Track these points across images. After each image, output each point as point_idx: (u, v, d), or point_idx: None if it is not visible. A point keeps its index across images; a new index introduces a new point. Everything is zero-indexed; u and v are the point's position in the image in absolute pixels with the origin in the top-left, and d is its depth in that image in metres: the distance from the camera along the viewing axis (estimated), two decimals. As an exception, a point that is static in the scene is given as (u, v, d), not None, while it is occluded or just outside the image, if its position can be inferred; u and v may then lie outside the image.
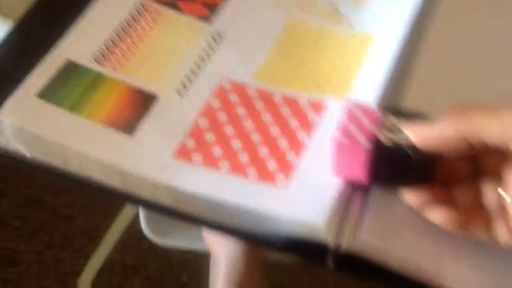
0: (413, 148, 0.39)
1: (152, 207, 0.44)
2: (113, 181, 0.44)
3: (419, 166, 0.40)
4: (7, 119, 0.46)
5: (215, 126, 0.48)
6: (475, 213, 0.40)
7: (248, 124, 0.48)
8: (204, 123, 0.48)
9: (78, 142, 0.46)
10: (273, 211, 0.43)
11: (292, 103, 0.49)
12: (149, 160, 0.46)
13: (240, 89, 0.50)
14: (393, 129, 0.41)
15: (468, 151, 0.38)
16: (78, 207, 1.34)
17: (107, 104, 0.48)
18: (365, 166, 0.42)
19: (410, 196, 0.41)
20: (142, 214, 0.87)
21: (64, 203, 1.34)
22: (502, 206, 0.40)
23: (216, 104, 0.49)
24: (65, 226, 1.32)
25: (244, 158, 0.46)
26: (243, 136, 0.47)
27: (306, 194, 0.44)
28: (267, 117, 0.48)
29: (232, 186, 0.45)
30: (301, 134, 0.47)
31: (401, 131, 0.40)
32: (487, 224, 0.40)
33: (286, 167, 0.45)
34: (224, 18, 0.55)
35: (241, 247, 0.73)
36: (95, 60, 0.50)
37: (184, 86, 0.50)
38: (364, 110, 0.43)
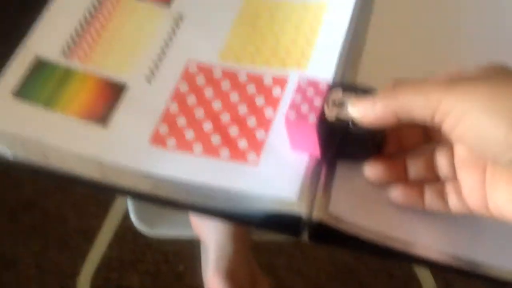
0: (355, 122, 0.40)
1: (134, 195, 0.45)
2: (92, 173, 0.45)
3: (364, 139, 0.41)
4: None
5: (186, 110, 0.48)
6: (429, 183, 0.41)
7: (217, 105, 0.49)
8: (174, 107, 0.49)
9: (55, 137, 0.46)
10: (247, 189, 0.44)
11: (257, 80, 0.50)
12: (125, 149, 0.46)
13: (206, 71, 0.51)
14: (338, 104, 0.41)
15: (404, 124, 0.39)
16: (70, 208, 1.35)
17: (79, 97, 0.49)
18: (315, 141, 0.43)
19: (368, 171, 0.42)
20: (131, 206, 0.87)
21: (55, 204, 1.35)
22: (452, 173, 0.41)
23: (185, 87, 0.50)
24: (59, 227, 1.33)
25: (216, 139, 0.47)
26: (213, 117, 0.48)
27: (277, 170, 0.45)
28: (234, 97, 0.49)
29: (206, 168, 0.45)
30: (268, 111, 0.48)
31: (346, 106, 0.41)
32: (440, 193, 0.41)
33: (256, 145, 0.46)
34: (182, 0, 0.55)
35: (228, 230, 0.74)
36: (63, 54, 0.51)
37: (152, 72, 0.51)
38: (313, 85, 0.43)
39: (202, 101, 0.49)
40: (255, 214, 0.43)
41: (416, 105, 0.36)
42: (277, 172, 0.44)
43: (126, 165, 0.45)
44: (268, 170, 0.45)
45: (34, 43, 0.51)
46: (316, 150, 0.44)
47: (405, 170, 0.42)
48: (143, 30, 0.53)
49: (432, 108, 0.35)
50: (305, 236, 0.43)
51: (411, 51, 0.52)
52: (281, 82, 0.49)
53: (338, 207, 0.42)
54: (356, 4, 0.52)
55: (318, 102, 0.43)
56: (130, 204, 0.89)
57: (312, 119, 0.42)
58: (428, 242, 0.42)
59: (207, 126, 0.47)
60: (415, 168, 0.42)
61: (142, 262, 1.31)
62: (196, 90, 0.49)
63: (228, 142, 0.46)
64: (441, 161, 0.41)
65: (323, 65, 0.49)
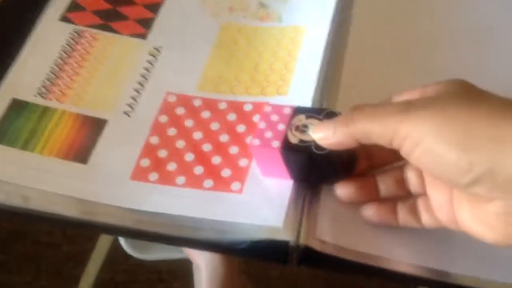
0: (317, 145, 0.41)
1: (117, 232, 0.45)
2: (74, 212, 0.45)
3: (332, 161, 0.41)
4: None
5: (167, 142, 0.49)
6: (401, 199, 0.42)
7: (198, 135, 0.49)
8: (155, 140, 0.49)
9: (34, 179, 0.46)
10: (232, 218, 0.44)
11: (237, 108, 0.50)
12: (107, 185, 0.46)
13: (186, 101, 0.51)
14: (302, 128, 0.42)
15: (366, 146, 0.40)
16: (60, 234, 1.34)
17: (57, 136, 0.49)
18: (282, 166, 0.43)
19: (339, 191, 0.43)
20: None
21: (45, 231, 1.34)
22: (422, 189, 0.41)
23: (164, 119, 0.50)
24: (51, 254, 1.32)
25: (199, 170, 0.47)
26: (195, 148, 0.48)
27: (261, 198, 0.45)
28: (215, 126, 0.49)
29: (190, 200, 0.45)
30: (249, 138, 0.48)
31: (309, 130, 0.42)
32: (412, 209, 0.42)
33: (240, 173, 0.46)
34: (158, 32, 0.56)
35: (218, 250, 0.74)
36: (40, 94, 0.51)
37: (131, 107, 0.51)
38: (277, 111, 0.44)
39: (183, 132, 0.49)
40: (242, 243, 0.43)
41: (374, 131, 0.37)
42: (262, 200, 0.45)
43: (108, 202, 0.45)
44: (253, 198, 0.45)
45: (10, 86, 0.51)
46: (286, 175, 0.44)
47: (376, 188, 0.43)
48: (120, 65, 0.53)
49: (390, 134, 0.36)
50: (293, 263, 0.44)
51: (390, 70, 0.52)
52: (261, 108, 0.49)
53: (324, 231, 0.43)
54: (332, 26, 0.53)
55: (281, 127, 0.43)
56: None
57: (276, 144, 0.43)
58: (404, 257, 0.43)
59: (189, 157, 0.48)
60: (385, 185, 0.43)
61: (135, 283, 1.31)
62: (176, 121, 0.50)
63: (211, 172, 0.47)
64: (411, 177, 0.42)
65: (303, 89, 0.49)
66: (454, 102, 0.35)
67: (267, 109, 0.45)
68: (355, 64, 0.52)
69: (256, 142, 0.44)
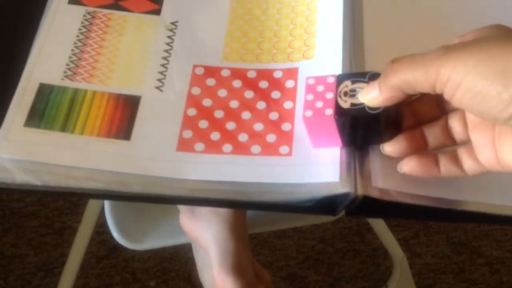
0: (369, 106, 0.42)
1: (175, 201, 0.45)
2: (132, 187, 0.45)
3: (381, 120, 0.43)
4: (5, 155, 0.45)
5: (205, 113, 0.49)
6: (442, 151, 0.44)
7: (234, 104, 0.49)
8: (192, 112, 0.49)
9: (80, 159, 0.46)
10: (286, 180, 0.45)
11: (267, 76, 0.51)
12: (155, 158, 0.46)
13: (214, 72, 0.51)
14: (350, 93, 0.43)
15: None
16: (25, 244, 1.30)
17: (95, 116, 0.48)
18: (335, 132, 0.44)
19: (386, 148, 0.44)
20: (113, 227, 0.86)
21: (10, 242, 1.29)
22: (466, 136, 0.43)
23: (197, 91, 0.50)
24: (18, 266, 1.28)
25: (243, 137, 0.47)
26: (235, 116, 0.49)
27: (312, 157, 0.46)
28: (249, 94, 0.50)
29: (241, 166, 0.46)
30: (287, 104, 0.49)
31: (358, 93, 0.43)
32: (454, 158, 0.43)
33: (285, 137, 0.47)
34: (170, 7, 0.56)
35: (226, 225, 0.73)
36: (66, 77, 0.50)
37: (161, 82, 0.51)
38: (321, 81, 0.46)
39: (219, 102, 0.49)
40: (308, 201, 0.44)
41: (417, 79, 0.38)
42: (313, 160, 0.46)
43: (159, 175, 0.45)
44: (303, 159, 0.46)
45: (35, 72, 0.50)
46: (338, 141, 0.45)
47: (424, 140, 0.44)
48: (140, 41, 0.53)
49: (432, 80, 0.37)
50: (341, 213, 0.46)
51: (410, 22, 0.54)
52: (292, 74, 0.51)
53: (379, 180, 0.44)
54: None
55: (330, 95, 0.44)
56: (109, 221, 0.87)
57: (329, 112, 0.44)
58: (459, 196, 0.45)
59: (231, 125, 0.48)
60: (433, 136, 0.44)
61: (111, 286, 1.28)
62: (210, 92, 0.50)
63: (257, 138, 0.47)
64: (454, 125, 0.44)
65: (329, 52, 0.51)
66: (491, 41, 0.36)
67: (311, 81, 0.46)
68: (375, 20, 0.54)
69: (309, 113, 0.44)
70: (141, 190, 0.45)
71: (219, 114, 0.49)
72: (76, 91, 0.49)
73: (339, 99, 0.44)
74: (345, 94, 0.44)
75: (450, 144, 0.44)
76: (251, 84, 0.50)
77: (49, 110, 0.48)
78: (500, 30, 0.39)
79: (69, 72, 0.50)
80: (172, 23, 0.54)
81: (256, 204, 0.45)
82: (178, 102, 0.50)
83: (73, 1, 0.55)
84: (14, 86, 0.49)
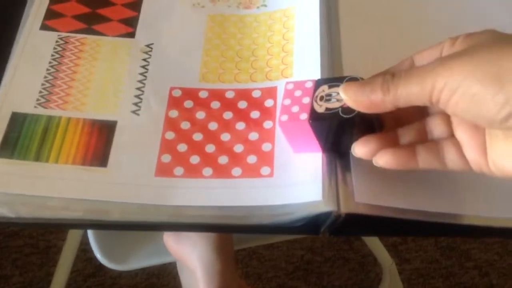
0: (346, 109, 0.42)
1: (156, 228, 0.44)
2: (110, 216, 0.44)
3: (356, 124, 0.42)
4: (-23, 187, 0.44)
5: (183, 136, 0.48)
6: (422, 148, 0.43)
7: (213, 126, 0.49)
8: (171, 135, 0.48)
9: (55, 188, 0.45)
10: (270, 202, 0.44)
11: (246, 96, 0.50)
12: (133, 185, 0.45)
13: (192, 94, 0.50)
14: (326, 98, 0.43)
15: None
16: (10, 264, 1.28)
17: (69, 144, 0.47)
18: (313, 137, 0.44)
19: (356, 149, 0.43)
20: (96, 248, 0.84)
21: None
22: (448, 133, 0.43)
23: (175, 114, 0.49)
24: (3, 287, 1.26)
25: (223, 160, 0.47)
26: (214, 138, 0.48)
27: (294, 177, 0.45)
28: (228, 115, 0.49)
29: (221, 189, 0.45)
30: (267, 123, 0.48)
31: (334, 98, 0.42)
32: (434, 151, 0.42)
33: (266, 158, 0.46)
34: (145, 29, 0.55)
35: (212, 245, 0.73)
36: (40, 104, 0.49)
37: (137, 105, 0.50)
38: (300, 86, 0.45)
39: (197, 125, 0.49)
40: (283, 222, 0.44)
41: (413, 93, 0.38)
42: (295, 178, 0.45)
43: (136, 201, 0.45)
44: (285, 179, 0.45)
45: (7, 100, 0.49)
46: (316, 147, 0.45)
47: (397, 141, 0.43)
48: (115, 65, 0.52)
49: (428, 91, 0.38)
50: (325, 232, 0.45)
51: (386, 30, 0.54)
52: (271, 93, 0.50)
53: (363, 196, 0.44)
54: (321, 3, 0.53)
55: (307, 100, 0.44)
56: (93, 242, 0.86)
57: (304, 116, 0.43)
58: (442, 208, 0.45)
59: (210, 148, 0.47)
60: (406, 137, 0.43)
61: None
62: (187, 115, 0.49)
63: (237, 160, 0.47)
64: (435, 125, 0.43)
65: (307, 69, 0.50)
66: (486, 47, 0.37)
67: (289, 86, 0.45)
68: (352, 37, 0.53)
69: (285, 118, 0.44)
70: (120, 218, 0.44)
71: (198, 136, 0.48)
72: (50, 118, 0.48)
73: (314, 103, 0.43)
74: (321, 98, 0.43)
75: (424, 141, 0.43)
76: (229, 104, 0.50)
77: (22, 139, 0.47)
78: (493, 36, 0.39)
79: (43, 100, 0.49)
80: (147, 46, 0.53)
81: (239, 228, 0.44)
82: (155, 126, 0.49)
83: (44, 27, 0.54)
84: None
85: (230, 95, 0.50)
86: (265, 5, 0.56)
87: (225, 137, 0.48)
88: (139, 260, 0.86)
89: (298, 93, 0.45)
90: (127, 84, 0.51)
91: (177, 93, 0.50)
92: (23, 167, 0.45)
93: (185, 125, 0.49)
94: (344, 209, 0.43)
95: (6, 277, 1.26)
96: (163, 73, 0.52)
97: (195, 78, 0.51)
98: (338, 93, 0.42)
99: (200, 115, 0.49)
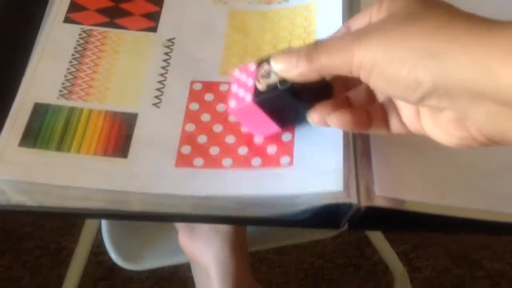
0: (283, 81, 0.41)
1: (176, 219, 0.44)
2: (130, 206, 0.44)
3: (297, 94, 0.42)
4: (0, 176, 0.44)
5: (203, 128, 0.48)
6: (371, 110, 0.43)
7: (233, 117, 0.49)
8: (191, 127, 0.48)
9: (77, 178, 0.45)
10: (289, 191, 0.44)
11: None
12: (153, 175, 0.46)
13: (212, 87, 0.51)
14: (266, 75, 0.43)
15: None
16: (21, 266, 1.28)
17: (91, 134, 0.47)
18: (264, 116, 0.44)
19: (312, 116, 0.43)
20: (111, 247, 0.84)
21: (5, 265, 1.28)
22: (391, 100, 0.43)
23: (195, 107, 0.50)
24: (13, 289, 1.26)
25: (243, 150, 0.47)
26: (233, 130, 0.48)
27: (314, 167, 0.45)
28: None
29: (241, 179, 0.45)
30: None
31: (272, 73, 0.42)
32: (383, 118, 0.43)
33: (286, 148, 0.47)
34: (167, 24, 0.55)
35: (227, 245, 0.73)
36: (62, 96, 0.49)
37: (158, 98, 0.50)
38: (244, 70, 0.45)
39: (217, 117, 0.49)
40: (304, 213, 0.44)
41: (334, 64, 0.38)
42: (315, 169, 0.45)
43: (157, 192, 0.45)
44: (305, 169, 0.45)
45: (30, 91, 0.49)
46: (272, 125, 0.45)
47: (349, 104, 0.44)
48: (137, 59, 0.52)
49: (347, 65, 0.37)
50: (344, 226, 0.45)
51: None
52: None
53: (384, 189, 0.44)
54: None
55: (250, 82, 0.44)
56: (107, 241, 0.86)
57: (248, 98, 0.43)
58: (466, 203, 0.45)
59: (230, 139, 0.48)
60: (357, 99, 0.44)
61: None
62: (208, 107, 0.49)
63: (257, 150, 0.47)
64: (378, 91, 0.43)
65: None
66: (399, 23, 0.36)
67: (236, 73, 0.45)
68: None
69: (233, 104, 0.44)
70: (141, 208, 0.44)
71: (218, 128, 0.48)
72: (72, 109, 0.49)
73: (257, 83, 0.43)
74: (262, 76, 0.43)
75: (373, 106, 0.43)
76: (249, 98, 0.50)
77: (45, 129, 0.47)
78: (415, 3, 0.37)
79: (65, 91, 0.50)
80: (169, 40, 0.54)
81: (259, 220, 0.44)
82: (176, 118, 0.49)
83: (68, 20, 0.54)
84: (8, 106, 0.48)
85: (250, 88, 0.50)
86: (287, 0, 0.56)
87: (245, 128, 0.48)
88: (153, 260, 0.86)
89: (243, 77, 0.45)
90: (148, 77, 0.51)
91: (198, 87, 0.51)
92: (44, 157, 0.46)
93: (205, 117, 0.49)
94: (364, 202, 0.43)
95: (17, 279, 1.27)
96: (184, 67, 0.52)
97: (216, 72, 0.52)
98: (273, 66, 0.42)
99: (221, 107, 0.50)
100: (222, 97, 0.50)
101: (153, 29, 0.55)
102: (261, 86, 0.43)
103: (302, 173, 0.45)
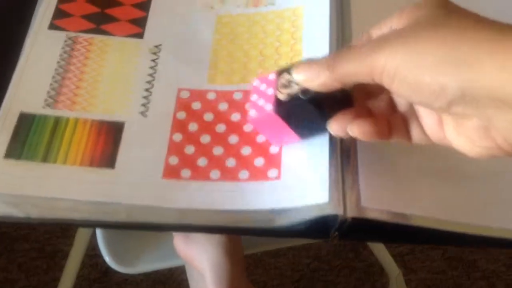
0: (305, 91, 0.41)
1: (162, 228, 0.44)
2: (116, 217, 0.44)
3: (318, 103, 0.42)
4: (-15, 188, 0.44)
5: (191, 138, 0.48)
6: (392, 119, 0.42)
7: (221, 128, 0.48)
8: (178, 137, 0.48)
9: (64, 190, 0.44)
10: (276, 205, 0.44)
11: None
12: (140, 187, 0.45)
13: (200, 95, 0.50)
14: (287, 85, 0.42)
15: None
16: (16, 268, 1.28)
17: (77, 145, 0.47)
18: (285, 126, 0.44)
19: (332, 126, 0.42)
20: (105, 250, 0.84)
21: (0, 267, 1.27)
22: (411, 110, 0.42)
23: (182, 115, 0.49)
24: (7, 292, 1.26)
25: (231, 162, 0.46)
26: (221, 141, 0.47)
27: (301, 179, 0.45)
28: (236, 117, 0.49)
29: (228, 193, 0.45)
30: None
31: (293, 83, 0.42)
32: (404, 127, 0.42)
33: (273, 160, 0.46)
34: (153, 30, 0.54)
35: (222, 248, 0.73)
36: (47, 105, 0.49)
37: (145, 106, 0.49)
38: (264, 80, 0.45)
39: (205, 127, 0.48)
40: (292, 225, 0.43)
41: (355, 72, 0.38)
42: (302, 181, 0.45)
43: (143, 203, 0.44)
44: (292, 181, 0.45)
45: (15, 101, 0.49)
46: (292, 134, 0.45)
47: (369, 112, 0.43)
48: (123, 66, 0.52)
49: (369, 72, 0.37)
50: (334, 237, 0.44)
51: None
52: None
53: (370, 201, 0.43)
54: (332, 3, 0.53)
55: (271, 92, 0.44)
56: (101, 244, 0.85)
57: (269, 107, 0.43)
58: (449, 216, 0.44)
59: (218, 150, 0.47)
60: (378, 110, 0.43)
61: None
62: (195, 116, 0.49)
63: (244, 163, 0.46)
64: (400, 101, 0.43)
65: None
66: (423, 29, 0.36)
67: (255, 82, 0.45)
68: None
69: (253, 113, 0.44)
70: (127, 219, 0.44)
71: (205, 139, 0.48)
72: (58, 119, 0.48)
73: (278, 93, 0.43)
74: (283, 86, 0.43)
75: (393, 115, 0.43)
76: (237, 106, 0.49)
77: (30, 140, 0.47)
78: (432, 12, 0.37)
79: (51, 100, 0.49)
80: (156, 46, 0.53)
81: (246, 231, 0.44)
82: (163, 127, 0.48)
83: (53, 26, 0.54)
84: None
85: (238, 96, 0.50)
86: (273, 4, 0.56)
87: (233, 139, 0.48)
88: (148, 263, 0.86)
89: (263, 87, 0.44)
90: (135, 85, 0.51)
91: (185, 95, 0.50)
92: (31, 168, 0.45)
93: (192, 127, 0.48)
94: (350, 213, 0.42)
95: (12, 281, 1.26)
96: (171, 74, 0.51)
97: (203, 80, 0.51)
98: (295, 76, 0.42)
99: (208, 116, 0.49)
100: (210, 106, 0.49)
101: (140, 35, 0.54)
102: (282, 96, 0.42)
103: (289, 187, 0.45)
